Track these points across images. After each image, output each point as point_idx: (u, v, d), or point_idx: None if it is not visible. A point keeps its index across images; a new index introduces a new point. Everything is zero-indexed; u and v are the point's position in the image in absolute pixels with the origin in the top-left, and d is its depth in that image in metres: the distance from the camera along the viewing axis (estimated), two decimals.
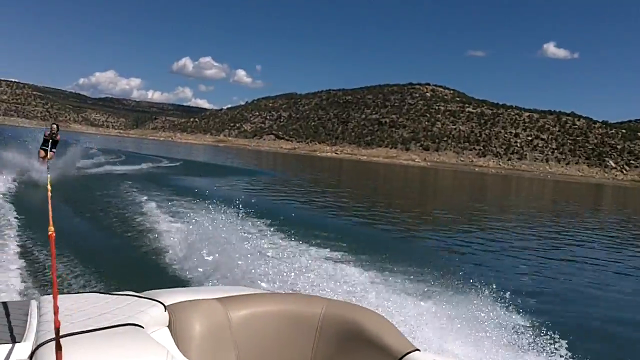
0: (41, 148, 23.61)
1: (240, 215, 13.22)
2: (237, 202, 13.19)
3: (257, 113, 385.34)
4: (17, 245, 11.35)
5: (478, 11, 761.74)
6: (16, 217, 14.03)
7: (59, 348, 1.98)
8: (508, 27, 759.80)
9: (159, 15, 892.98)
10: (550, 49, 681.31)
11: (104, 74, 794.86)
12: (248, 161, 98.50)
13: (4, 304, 3.74)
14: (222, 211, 13.60)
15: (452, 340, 6.95)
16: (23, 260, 10.25)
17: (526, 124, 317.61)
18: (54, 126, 24.21)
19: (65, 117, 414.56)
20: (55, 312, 2.10)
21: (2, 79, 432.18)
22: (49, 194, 3.58)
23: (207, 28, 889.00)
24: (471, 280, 9.27)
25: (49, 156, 22.77)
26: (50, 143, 23.22)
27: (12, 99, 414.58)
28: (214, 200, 14.59)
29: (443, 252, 17.15)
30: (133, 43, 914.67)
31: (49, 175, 7.89)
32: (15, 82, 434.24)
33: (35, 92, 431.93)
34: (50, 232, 2.49)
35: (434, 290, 9.71)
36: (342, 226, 20.32)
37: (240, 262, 9.82)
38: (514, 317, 8.63)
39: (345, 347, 3.33)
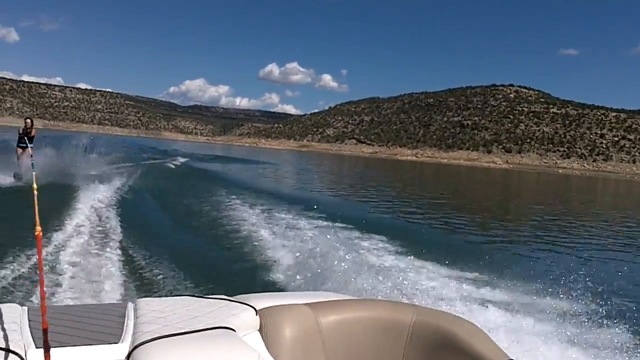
0: (18, 146, 22.90)
1: (327, 219, 13.22)
2: (322, 206, 13.18)
3: (340, 118, 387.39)
4: (117, 248, 11.77)
5: (570, 8, 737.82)
6: (118, 223, 14.52)
7: (47, 350, 2.04)
8: (605, 23, 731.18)
9: (246, 23, 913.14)
10: None
11: (194, 82, 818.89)
12: (330, 167, 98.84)
13: (103, 305, 3.85)
14: (311, 216, 13.63)
15: (548, 351, 6.64)
16: (122, 263, 10.65)
17: (612, 124, 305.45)
18: (28, 121, 23.39)
19: (156, 124, 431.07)
20: (43, 314, 2.13)
21: (97, 89, 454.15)
22: (35, 192, 3.58)
23: (293, 34, 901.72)
24: (574, 292, 8.83)
25: (29, 151, 21.75)
26: (26, 139, 22.31)
27: (107, 109, 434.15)
28: (304, 205, 14.63)
29: (546, 261, 16.36)
30: (221, 51, 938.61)
31: (34, 173, 8.11)
32: (109, 92, 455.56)
33: (128, 102, 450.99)
34: (37, 232, 2.46)
35: (530, 299, 9.30)
36: (431, 232, 19.98)
37: (329, 267, 9.83)
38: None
39: (436, 356, 3.24)
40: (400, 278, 9.54)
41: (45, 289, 7.84)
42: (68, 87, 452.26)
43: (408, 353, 3.33)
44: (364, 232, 13.30)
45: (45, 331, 2.10)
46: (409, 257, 11.86)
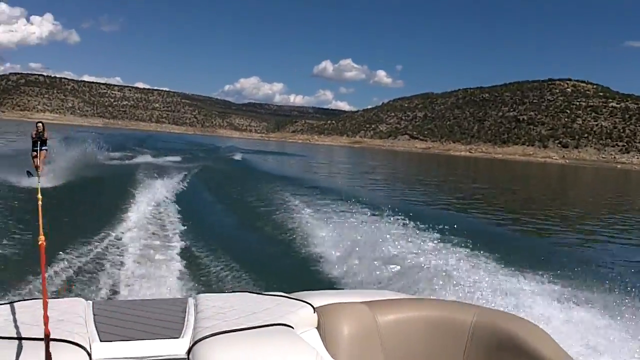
0: (33, 150, 22.22)
1: (386, 216, 13.12)
2: (384, 203, 13.07)
3: (393, 114, 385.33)
4: (178, 244, 12.00)
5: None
6: (178, 218, 14.80)
7: (48, 354, 2.02)
8: None
9: (299, 20, 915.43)
10: None
11: (248, 79, 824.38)
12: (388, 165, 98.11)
13: (164, 300, 3.94)
14: (370, 213, 13.58)
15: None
16: (182, 258, 10.84)
17: None
18: (40, 125, 22.95)
19: (212, 122, 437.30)
20: (45, 323, 2.10)
21: (155, 88, 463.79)
22: (39, 202, 3.58)
23: (347, 30, 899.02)
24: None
25: (40, 156, 21.83)
26: (39, 143, 22.08)
27: (164, 107, 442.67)
28: (362, 202, 14.55)
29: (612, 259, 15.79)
30: (276, 49, 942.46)
31: (38, 183, 8.26)
32: (166, 90, 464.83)
33: (184, 100, 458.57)
34: (40, 242, 2.46)
35: (601, 302, 8.85)
36: (494, 230, 19.65)
37: (388, 266, 9.77)
38: None
39: (498, 358, 3.16)
40: (462, 277, 9.24)
41: (102, 284, 7.96)
42: (127, 86, 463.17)
43: (468, 354, 3.27)
44: (424, 230, 13.10)
45: (47, 337, 2.08)
46: (469, 255, 11.51)
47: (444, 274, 9.28)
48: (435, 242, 12.03)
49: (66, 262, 9.64)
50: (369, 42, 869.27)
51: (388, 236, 12.01)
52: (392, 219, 13.34)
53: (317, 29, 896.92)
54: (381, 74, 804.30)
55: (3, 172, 20.40)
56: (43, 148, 21.98)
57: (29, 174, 20.85)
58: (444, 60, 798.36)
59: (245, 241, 13.94)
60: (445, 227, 12.69)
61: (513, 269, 10.43)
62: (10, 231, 11.69)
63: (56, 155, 25.40)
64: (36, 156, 21.65)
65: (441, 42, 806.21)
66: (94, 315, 2.93)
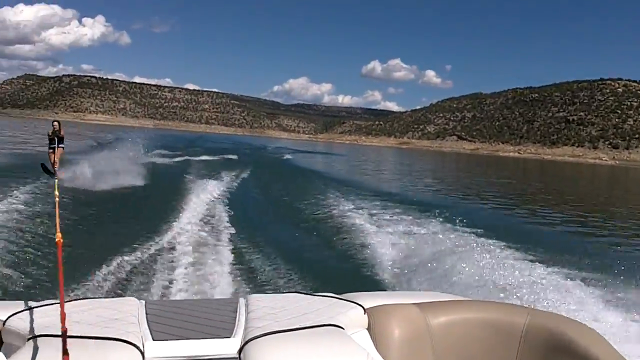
0: (50, 148, 22.53)
1: (438, 216, 13.01)
2: (433, 204, 12.89)
3: (441, 114, 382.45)
4: (228, 244, 12.14)
5: None
6: (229, 218, 14.91)
7: (65, 352, 2.00)
8: None
9: (348, 20, 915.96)
10: None
11: (297, 80, 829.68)
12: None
13: (215, 300, 3.95)
14: (425, 215, 13.47)
15: None
16: (232, 258, 10.95)
17: None
18: (56, 123, 23.26)
19: (260, 123, 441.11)
20: (62, 320, 2.11)
21: (204, 89, 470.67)
22: (57, 199, 3.53)
23: (395, 30, 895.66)
24: None
25: (57, 153, 22.11)
26: (56, 140, 22.30)
27: (213, 108, 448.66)
28: (412, 202, 14.39)
29: None
30: (324, 49, 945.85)
31: (56, 181, 8.33)
32: (215, 92, 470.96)
33: (233, 101, 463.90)
34: (57, 239, 2.50)
35: None
36: (555, 233, 19.24)
37: (438, 266, 9.69)
38: None
39: None
40: (513, 277, 9.11)
41: (154, 284, 7.91)
42: (177, 87, 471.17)
43: (521, 357, 3.19)
44: (474, 229, 12.92)
45: (64, 333, 2.09)
46: (522, 256, 11.37)
47: (496, 272, 9.13)
48: (491, 243, 11.80)
49: (120, 263, 9.83)
50: (418, 41, 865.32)
51: (440, 237, 11.91)
52: (446, 220, 13.22)
53: (366, 28, 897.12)
54: (430, 74, 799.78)
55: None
56: (60, 145, 22.26)
57: (44, 167, 21.42)
58: (493, 59, 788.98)
59: (294, 242, 13.94)
60: (504, 230, 12.43)
61: (571, 272, 10.14)
62: (70, 232, 11.73)
63: (110, 157, 26.01)
64: (53, 153, 22.00)
65: (491, 41, 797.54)
66: (147, 314, 2.98)
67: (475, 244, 11.55)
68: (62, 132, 22.76)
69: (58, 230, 2.56)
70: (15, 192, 15.27)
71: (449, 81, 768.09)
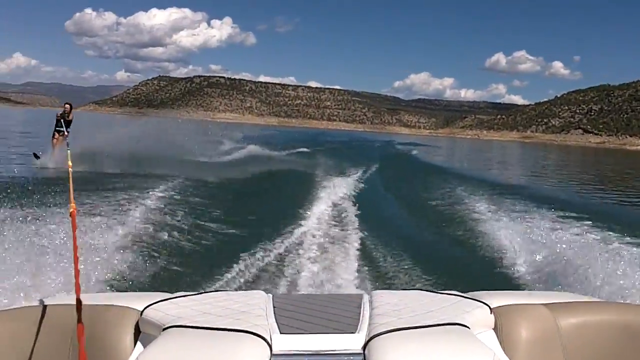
0: (55, 130, 23.13)
1: (569, 216, 12.61)
2: (565, 203, 12.25)
3: (566, 107, 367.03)
4: (354, 240, 12.10)
5: None
6: (355, 215, 14.85)
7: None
8: None
9: (470, 11, 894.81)
10: None
11: (418, 75, 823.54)
12: None
13: (340, 296, 4.13)
14: (553, 213, 13.11)
15: None
16: (358, 254, 10.99)
17: None
18: (67, 106, 23.61)
19: (381, 119, 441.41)
20: (78, 310, 2.14)
21: (326, 87, 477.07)
22: (70, 169, 3.60)
23: (520, 21, 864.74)
24: None
25: (62, 135, 22.47)
26: (63, 123, 22.80)
27: (334, 105, 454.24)
28: (542, 200, 13.83)
29: None
30: (446, 43, 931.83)
31: (68, 151, 8.21)
32: (337, 89, 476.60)
33: (354, 98, 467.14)
34: (71, 210, 2.53)
35: None
36: None
37: (570, 266, 9.33)
38: None
39: None
40: None
41: (281, 278, 8.17)
42: (300, 85, 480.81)
43: None
44: (612, 229, 12.22)
45: (79, 320, 2.16)
46: None
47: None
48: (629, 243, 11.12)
49: (249, 257, 10.03)
50: (545, 32, 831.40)
51: (576, 237, 11.42)
52: (580, 219, 12.76)
53: (488, 20, 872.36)
54: (557, 65, 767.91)
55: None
56: (67, 129, 22.73)
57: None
58: (623, 49, 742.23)
59: (419, 238, 13.86)
60: None
61: None
62: (198, 224, 12.39)
63: (239, 154, 26.81)
64: (61, 134, 22.72)
65: (621, 30, 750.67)
66: (274, 308, 3.08)
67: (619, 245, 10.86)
68: (70, 116, 23.48)
69: (71, 200, 2.61)
70: (161, 185, 15.79)
71: (577, 72, 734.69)
